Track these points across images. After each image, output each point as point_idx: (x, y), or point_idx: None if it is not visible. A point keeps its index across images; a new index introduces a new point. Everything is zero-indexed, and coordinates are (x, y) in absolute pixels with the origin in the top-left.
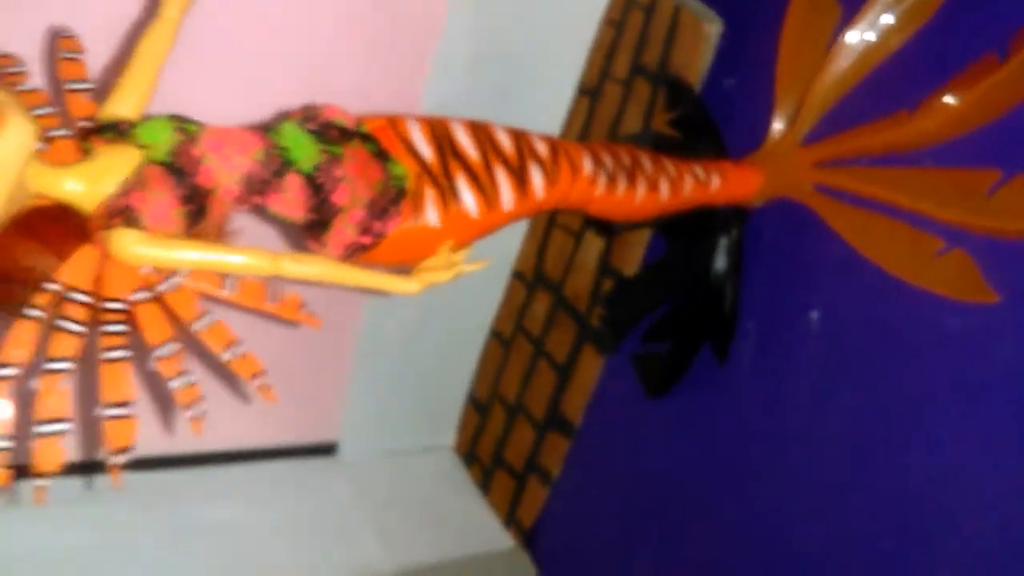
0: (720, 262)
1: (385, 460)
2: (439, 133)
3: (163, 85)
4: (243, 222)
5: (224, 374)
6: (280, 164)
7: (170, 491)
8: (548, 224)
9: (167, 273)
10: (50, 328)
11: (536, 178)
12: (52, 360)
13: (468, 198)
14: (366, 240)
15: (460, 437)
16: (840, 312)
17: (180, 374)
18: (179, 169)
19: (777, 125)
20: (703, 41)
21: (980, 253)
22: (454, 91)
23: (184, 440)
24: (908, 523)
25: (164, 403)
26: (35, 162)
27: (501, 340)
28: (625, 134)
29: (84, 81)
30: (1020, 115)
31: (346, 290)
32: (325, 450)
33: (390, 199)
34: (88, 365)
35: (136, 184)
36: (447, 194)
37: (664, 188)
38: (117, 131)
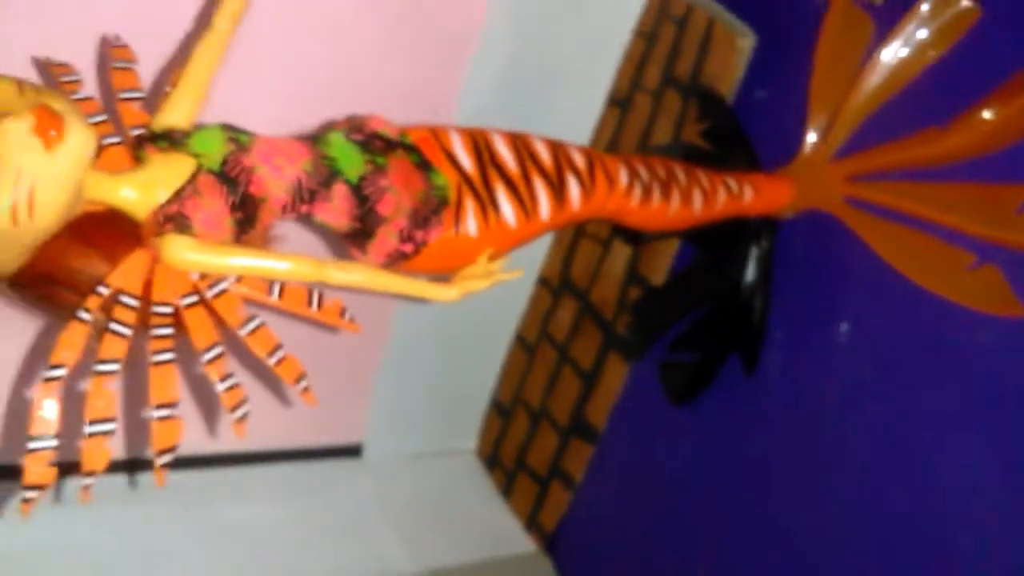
0: (750, 272)
1: (409, 463)
2: (479, 144)
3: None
4: (284, 228)
5: (254, 374)
6: (328, 174)
7: (196, 490)
8: (576, 232)
9: (214, 278)
10: (100, 331)
11: (573, 189)
12: (102, 362)
13: (507, 208)
14: (408, 248)
15: (483, 441)
16: (869, 324)
17: (226, 377)
18: (231, 178)
19: (810, 138)
20: (736, 54)
21: (1010, 267)
22: (487, 99)
23: (210, 440)
24: (933, 537)
25: (201, 404)
26: (91, 169)
27: (525, 346)
28: (656, 145)
29: (136, 90)
30: None
31: (382, 296)
32: (350, 452)
33: (432, 209)
34: (131, 367)
35: (189, 192)
36: (487, 204)
37: (698, 200)
38: (171, 140)
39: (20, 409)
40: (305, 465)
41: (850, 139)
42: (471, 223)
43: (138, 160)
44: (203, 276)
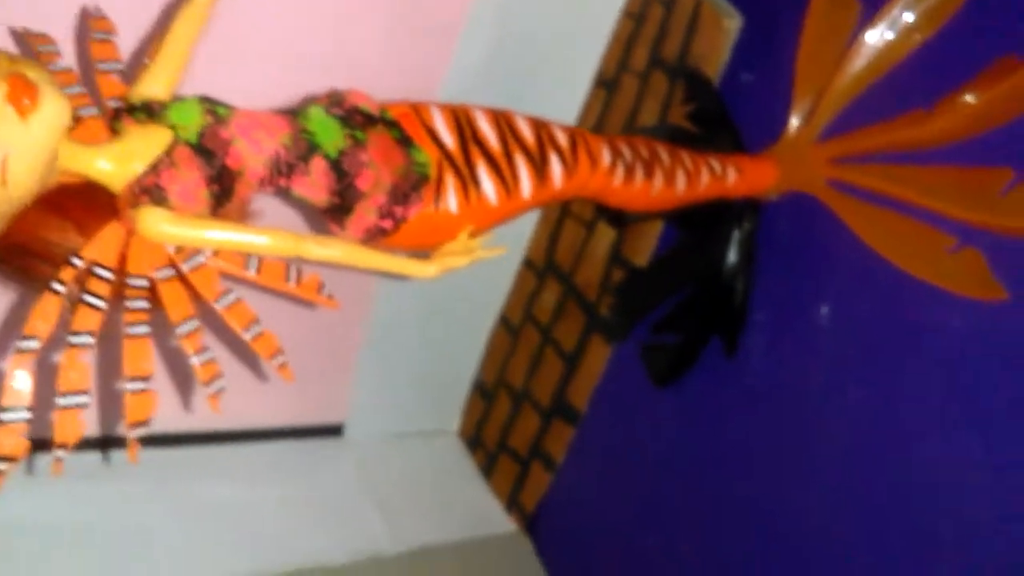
0: (732, 254)
1: (390, 443)
2: (461, 121)
3: (189, 66)
4: (263, 203)
5: (232, 352)
6: (306, 148)
7: (177, 468)
8: (560, 214)
9: (190, 252)
10: (74, 303)
11: (555, 167)
12: (75, 334)
13: (488, 186)
14: (387, 224)
15: (465, 422)
16: (850, 307)
17: (201, 351)
18: (208, 150)
19: (794, 120)
20: (723, 35)
21: (991, 251)
22: (474, 78)
23: (191, 418)
24: (911, 516)
25: (176, 381)
26: (66, 140)
27: (509, 327)
28: (641, 126)
29: (115, 62)
30: None
31: (362, 273)
32: (332, 431)
33: (412, 185)
34: (105, 342)
35: (166, 164)
36: (467, 181)
37: (681, 180)
38: (148, 112)
39: None
40: (287, 444)
41: (834, 121)
42: (451, 200)
43: (115, 132)
44: (179, 249)
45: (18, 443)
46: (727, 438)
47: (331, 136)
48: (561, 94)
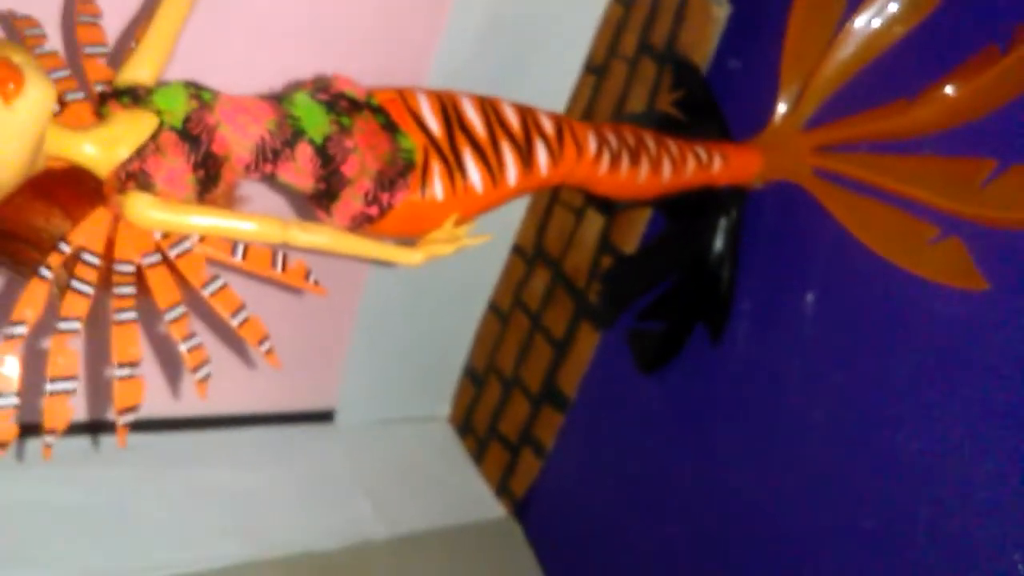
0: (718, 242)
1: (381, 429)
2: (448, 107)
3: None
4: (250, 190)
5: (223, 339)
6: (291, 134)
7: (167, 453)
8: (550, 200)
9: (177, 238)
10: (62, 288)
11: (541, 155)
12: (63, 320)
13: (474, 173)
14: (373, 211)
15: (455, 408)
16: (834, 295)
17: (188, 337)
18: (194, 136)
19: (780, 109)
20: (711, 23)
21: (973, 241)
22: (462, 63)
23: (182, 403)
24: (894, 502)
25: (165, 366)
26: (52, 124)
27: (499, 314)
28: (629, 113)
29: (101, 45)
30: (1018, 107)
31: (350, 259)
32: (322, 417)
33: (398, 171)
34: (93, 328)
35: (151, 149)
36: (453, 168)
37: (667, 168)
38: (134, 96)
39: None
40: (277, 430)
41: (820, 110)
42: (437, 187)
43: (101, 116)
44: (166, 235)
45: (6, 428)
46: (713, 424)
47: (316, 122)
48: (550, 79)
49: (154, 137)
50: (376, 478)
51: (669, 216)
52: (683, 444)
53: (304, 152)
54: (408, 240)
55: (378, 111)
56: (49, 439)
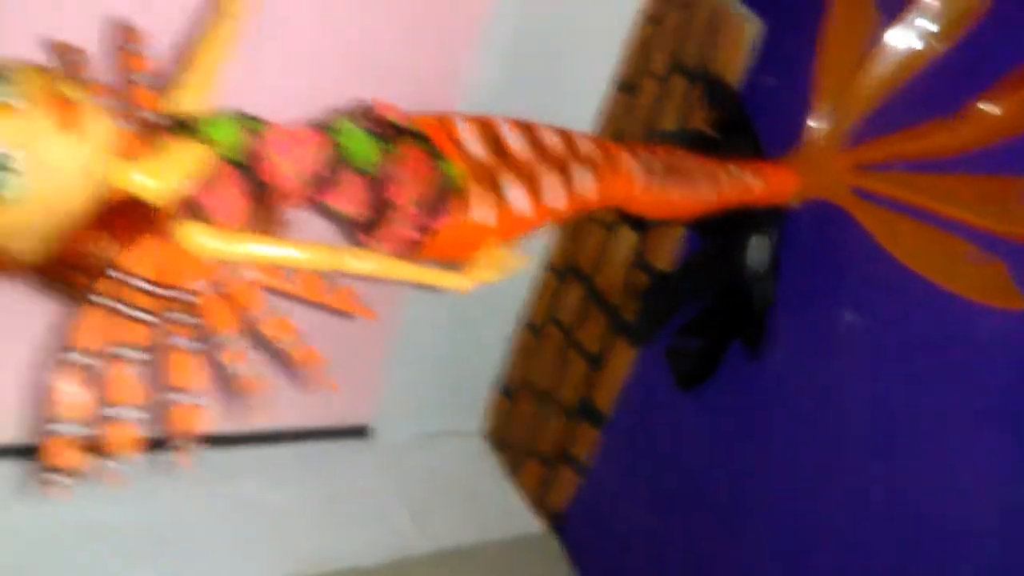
0: (756, 261)
1: (417, 444)
2: (488, 132)
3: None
4: (293, 213)
5: (263, 356)
6: (340, 162)
7: (207, 469)
8: (582, 217)
9: (230, 264)
10: (119, 316)
11: (582, 178)
12: (122, 347)
13: (516, 197)
14: (418, 236)
15: (489, 423)
16: (872, 313)
17: (243, 361)
18: (246, 166)
19: (816, 127)
20: (743, 41)
21: (1013, 260)
22: (492, 81)
23: (221, 420)
24: (935, 519)
25: (211, 384)
26: (108, 155)
27: (532, 329)
28: (661, 131)
29: (145, 73)
30: None
31: (397, 284)
32: (359, 432)
33: (442, 197)
34: (150, 353)
35: (205, 179)
36: (496, 193)
37: (705, 189)
38: (185, 127)
39: (41, 390)
40: (316, 445)
41: (856, 129)
42: (480, 211)
43: (152, 146)
44: (220, 262)
45: (69, 455)
46: (752, 441)
47: (363, 149)
48: (579, 97)
49: (208, 167)
50: (414, 493)
51: (704, 234)
52: (720, 460)
53: (352, 180)
54: (452, 264)
55: (421, 137)
56: (114, 465)
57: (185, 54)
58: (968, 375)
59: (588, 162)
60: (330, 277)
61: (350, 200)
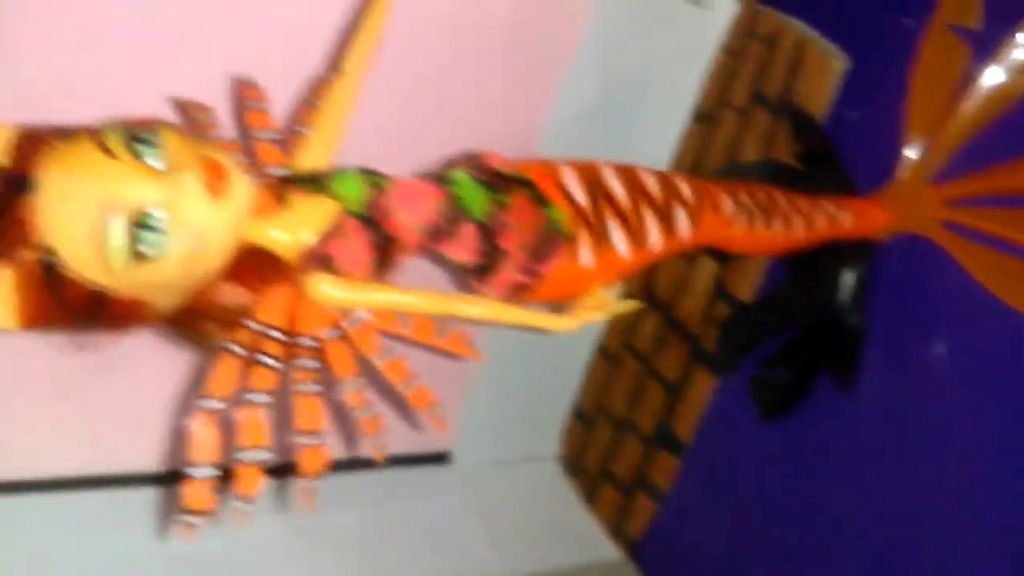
0: (845, 294)
1: (495, 469)
2: (590, 178)
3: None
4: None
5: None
6: (457, 214)
7: (288, 498)
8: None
9: (353, 312)
10: (250, 363)
11: (681, 219)
12: (252, 392)
13: (619, 240)
14: (527, 281)
15: (566, 449)
16: (966, 347)
17: (365, 405)
18: (372, 220)
19: (906, 162)
20: (828, 76)
21: None
22: (573, 112)
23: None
24: None
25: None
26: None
27: (607, 356)
28: (743, 162)
29: (269, 130)
30: None
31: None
32: (440, 459)
33: (549, 242)
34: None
35: (335, 234)
36: (600, 236)
37: (798, 226)
38: (313, 183)
39: (180, 427)
40: (396, 472)
41: (947, 163)
42: (584, 254)
43: (282, 202)
44: (342, 310)
45: (204, 498)
46: (835, 474)
47: (478, 200)
48: (658, 128)
49: (336, 222)
50: (491, 518)
51: (792, 267)
52: (802, 491)
53: (468, 230)
54: (555, 306)
55: (529, 185)
56: (242, 506)
57: (303, 110)
58: None
59: (689, 205)
60: (441, 321)
61: (464, 248)
